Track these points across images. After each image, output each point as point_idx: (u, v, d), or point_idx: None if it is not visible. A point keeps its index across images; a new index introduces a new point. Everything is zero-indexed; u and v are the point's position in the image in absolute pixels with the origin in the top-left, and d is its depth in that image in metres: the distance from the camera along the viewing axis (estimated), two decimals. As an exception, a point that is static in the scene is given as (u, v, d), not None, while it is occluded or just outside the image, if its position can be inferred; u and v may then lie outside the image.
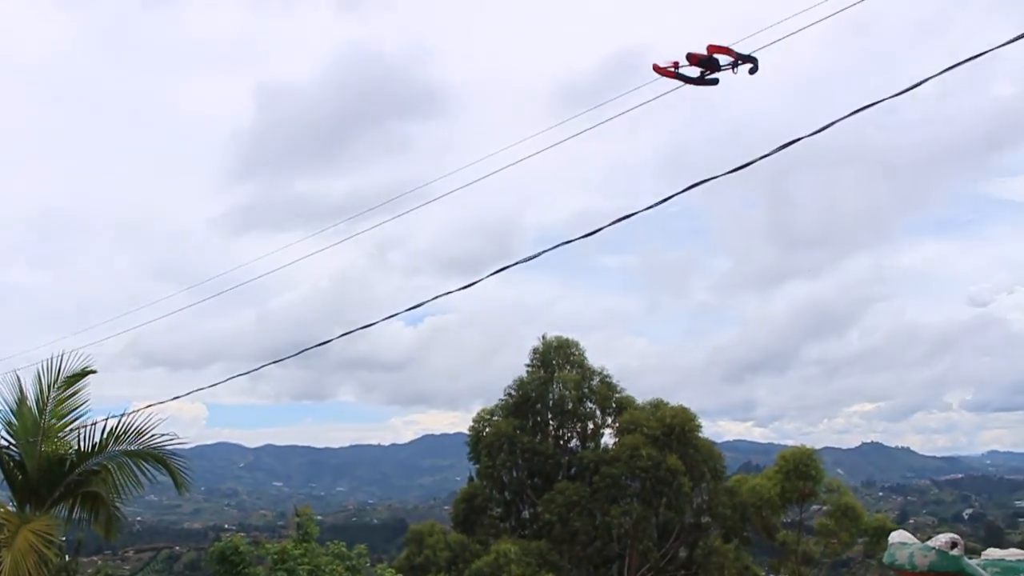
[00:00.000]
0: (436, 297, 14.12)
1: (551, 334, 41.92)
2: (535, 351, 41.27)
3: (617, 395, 40.86)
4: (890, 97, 9.99)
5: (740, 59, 12.03)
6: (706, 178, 11.31)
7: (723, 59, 12.10)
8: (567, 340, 41.67)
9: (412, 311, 14.08)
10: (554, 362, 40.95)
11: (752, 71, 12.12)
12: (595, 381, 40.91)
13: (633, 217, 12.13)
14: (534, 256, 12.82)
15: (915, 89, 9.87)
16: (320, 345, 14.91)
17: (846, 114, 10.18)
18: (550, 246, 12.50)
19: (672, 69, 12.18)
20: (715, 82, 12.23)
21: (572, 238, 12.42)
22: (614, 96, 12.37)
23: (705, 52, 12.07)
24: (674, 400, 40.29)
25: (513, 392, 40.54)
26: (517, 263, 12.69)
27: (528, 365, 41.16)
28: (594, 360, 41.68)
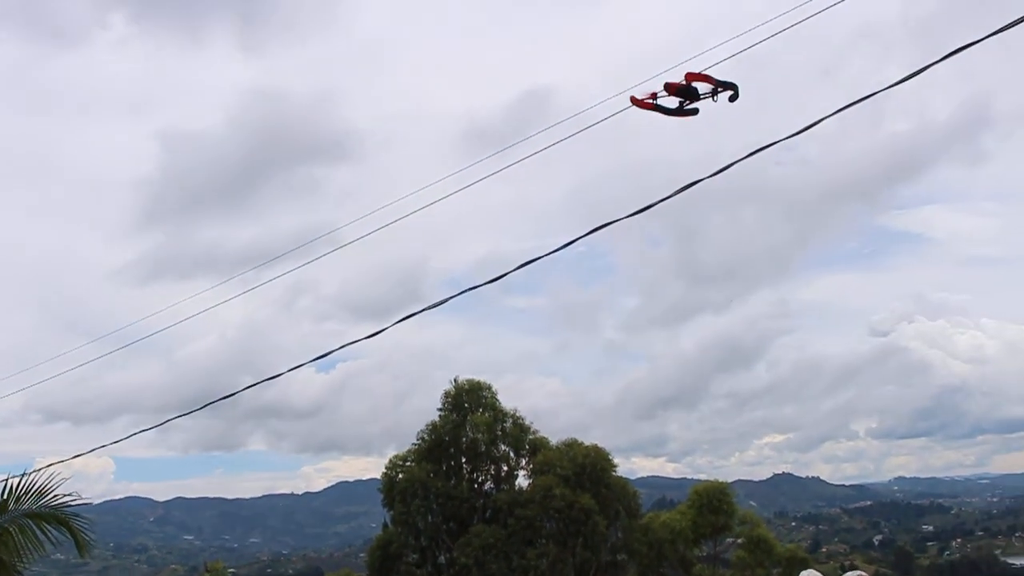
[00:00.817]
0: (342, 346, 13.84)
1: (463, 377, 41.83)
2: (447, 395, 41.10)
3: (530, 436, 40.84)
4: (788, 137, 10.01)
5: (720, 86, 11.54)
6: (609, 221, 11.15)
7: (702, 87, 11.62)
8: (479, 383, 41.60)
9: (323, 358, 13.79)
10: (466, 405, 40.79)
11: (732, 98, 11.61)
12: (508, 423, 40.86)
13: (542, 259, 11.96)
14: (442, 301, 12.59)
15: (814, 127, 10.05)
16: (228, 396, 14.52)
17: (744, 155, 10.11)
18: (459, 290, 12.35)
19: (650, 101, 11.69)
20: (695, 112, 11.70)
21: (480, 283, 12.21)
22: (521, 137, 12.18)
23: (683, 80, 11.57)
24: (587, 439, 40.50)
25: (426, 436, 40.25)
26: (423, 310, 12.49)
27: (440, 409, 40.95)
28: (506, 402, 41.72)
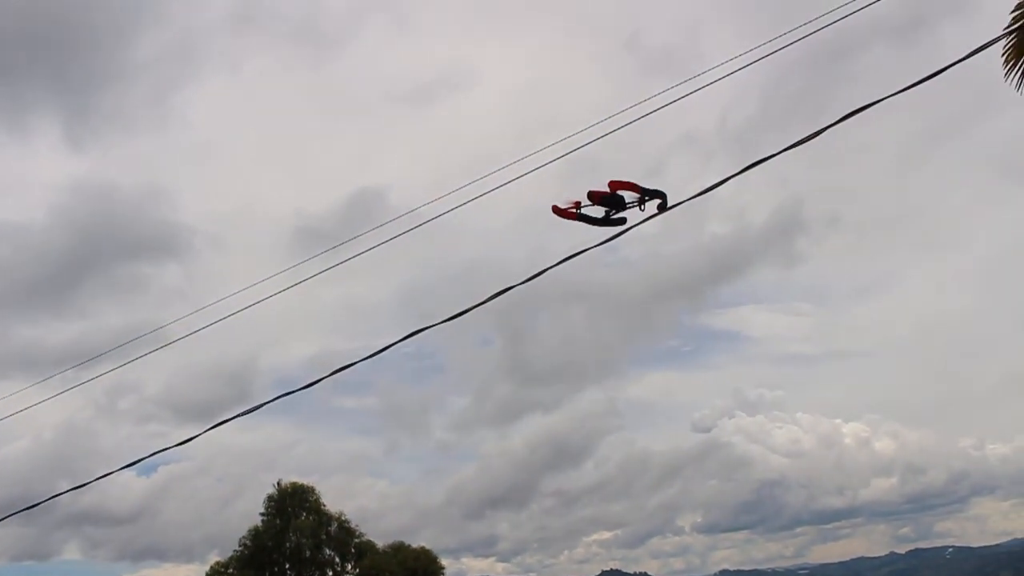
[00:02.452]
0: (154, 453, 13.15)
1: (289, 479, 40.95)
2: (270, 498, 40.14)
3: (356, 540, 40.21)
4: (605, 240, 10.23)
5: (647, 194, 11.02)
6: (430, 324, 10.91)
7: (628, 196, 11.12)
8: (303, 486, 40.85)
9: (145, 460, 13.18)
10: (290, 509, 39.83)
11: (661, 207, 10.99)
12: (333, 527, 40.13)
13: (370, 359, 11.65)
14: (266, 403, 12.06)
15: (637, 227, 10.52)
16: (41, 503, 13.72)
17: (560, 260, 10.26)
18: (287, 390, 11.98)
19: (573, 210, 11.18)
20: (622, 222, 11.02)
21: (309, 383, 11.77)
22: (352, 236, 11.96)
23: (607, 189, 11.07)
24: (416, 541, 40.24)
25: (248, 542, 38.99)
26: (243, 413, 11.98)
27: (263, 513, 39.82)
28: (334, 504, 41.09)
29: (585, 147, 10.49)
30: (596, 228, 10.93)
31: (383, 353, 11.37)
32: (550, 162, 11.13)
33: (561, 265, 10.34)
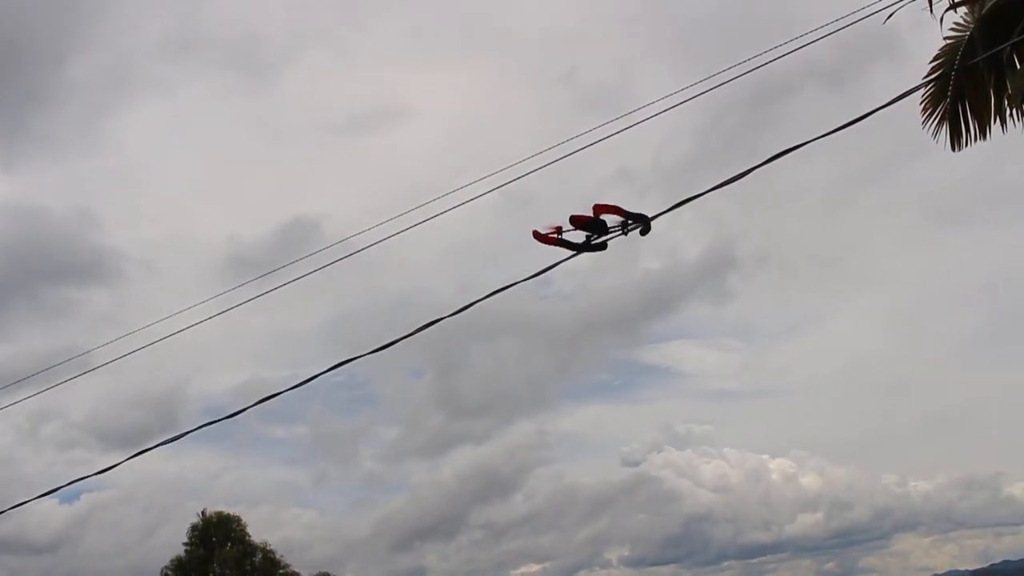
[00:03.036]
0: (81, 478, 12.78)
1: (215, 509, 40.39)
2: (194, 528, 39.46)
3: (281, 571, 39.67)
4: (534, 275, 10.28)
5: (630, 219, 10.82)
6: (356, 355, 10.77)
7: (611, 220, 10.94)
8: (228, 515, 40.23)
9: (67, 487, 12.81)
10: (214, 539, 39.17)
11: (643, 231, 10.85)
12: (258, 557, 39.52)
13: (297, 388, 11.43)
14: (190, 431, 11.74)
15: (569, 261, 10.55)
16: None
17: (486, 294, 10.34)
18: (214, 418, 11.75)
19: (554, 235, 10.98)
20: (603, 247, 10.91)
21: (233, 412, 11.46)
22: (283, 264, 11.74)
23: (591, 213, 10.88)
24: (343, 572, 40.03)
25: (171, 573, 38.24)
26: (166, 441, 11.67)
27: (186, 543, 39.10)
28: (260, 534, 40.50)
29: (519, 180, 10.53)
30: (565, 253, 10.79)
31: (313, 382, 11.20)
32: (482, 195, 11.05)
33: (495, 298, 10.35)
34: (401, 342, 10.74)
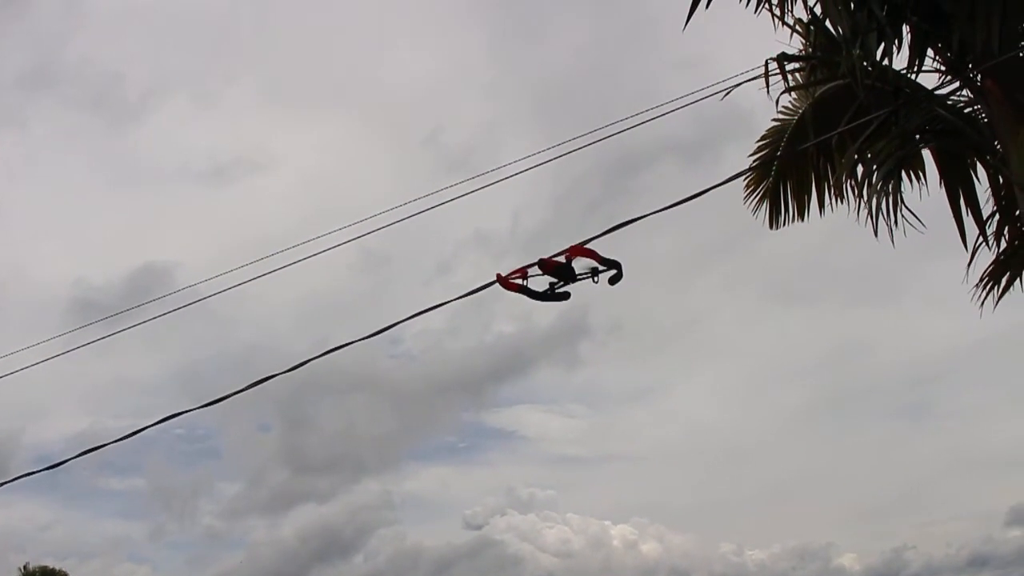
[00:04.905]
0: None
1: (42, 562, 37.83)
2: (12, 583, 36.82)
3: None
4: (378, 331, 10.15)
5: (604, 264, 10.30)
6: (190, 408, 10.34)
7: (580, 266, 10.27)
8: (52, 570, 37.82)
9: None
10: (28, 595, 36.67)
11: (614, 279, 10.31)
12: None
13: (139, 435, 10.89)
14: (8, 481, 11.08)
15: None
16: None
17: (323, 352, 9.87)
18: (46, 466, 11.05)
19: (519, 281, 10.42)
20: (566, 296, 10.44)
21: (59, 461, 10.84)
22: (128, 309, 11.28)
23: (565, 256, 10.39)
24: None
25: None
26: None
27: (-8, 599, 36.36)
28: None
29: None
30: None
31: (150, 433, 10.70)
32: (334, 247, 10.58)
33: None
34: (245, 396, 10.34)
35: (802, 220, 11.10)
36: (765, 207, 11.05)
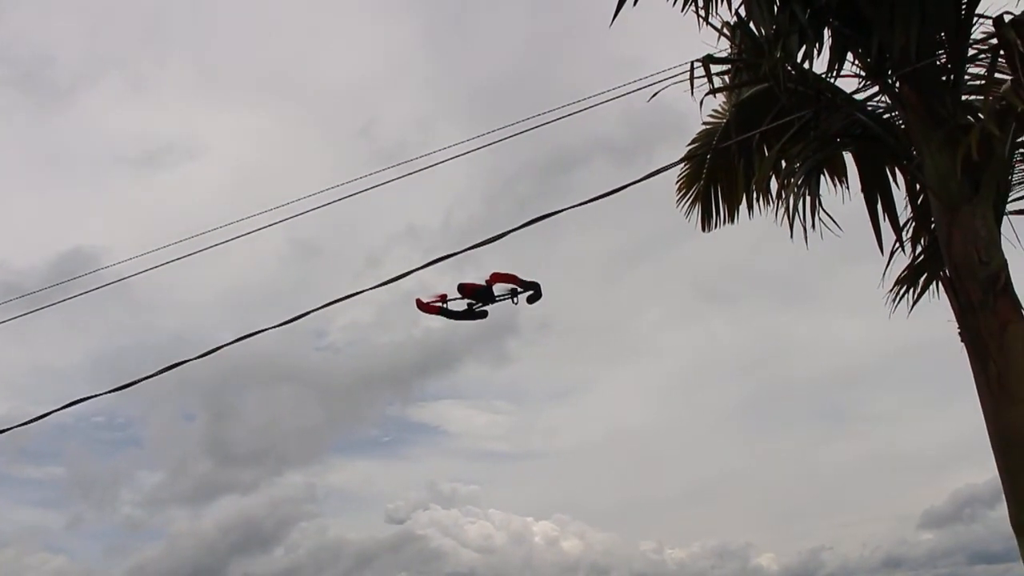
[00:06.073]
0: None
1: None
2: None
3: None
4: (286, 322, 9.96)
5: (523, 286, 10.91)
6: (94, 394, 10.09)
7: (499, 289, 10.92)
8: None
9: None
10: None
11: (532, 299, 11.01)
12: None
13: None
14: None
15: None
16: None
17: (234, 338, 9.74)
18: None
19: (437, 304, 10.89)
20: (484, 315, 10.98)
21: None
22: (53, 295, 10.95)
23: (486, 281, 10.85)
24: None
25: None
26: None
27: None
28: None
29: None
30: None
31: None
32: (258, 229, 10.53)
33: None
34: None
35: (732, 223, 11.20)
36: (697, 210, 11.12)
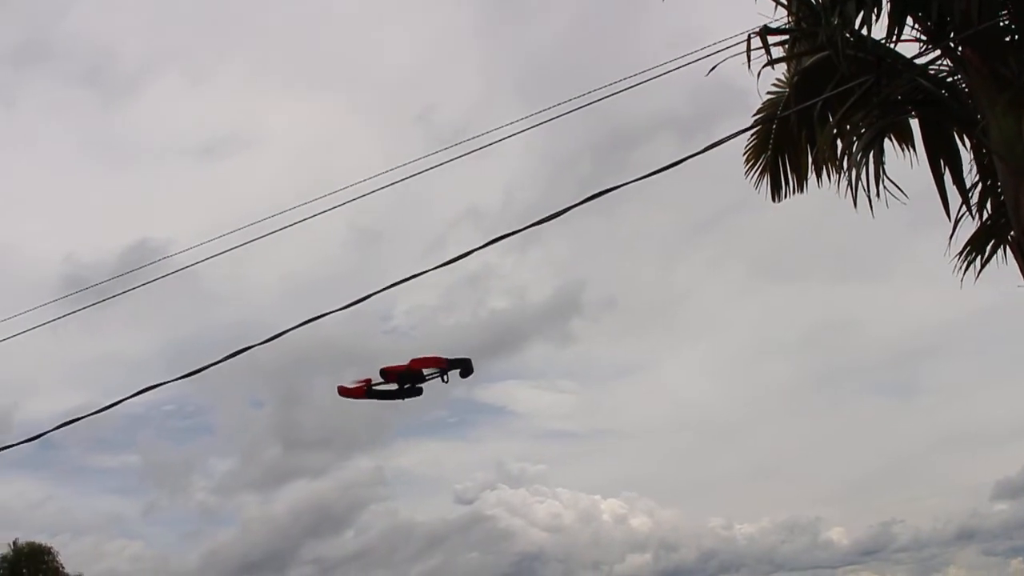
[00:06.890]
0: None
1: (31, 539, 38.14)
2: (4, 559, 37.19)
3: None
4: (350, 304, 10.11)
5: (452, 366, 10.81)
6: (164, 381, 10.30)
7: (428, 370, 10.76)
8: (40, 546, 38.11)
9: None
10: (24, 571, 37.06)
11: (464, 374, 10.91)
12: (71, 589, 37.54)
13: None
14: None
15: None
16: None
17: (298, 323, 9.88)
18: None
19: (363, 388, 10.73)
20: (419, 392, 10.78)
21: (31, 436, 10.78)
22: (121, 287, 11.16)
23: (407, 366, 10.67)
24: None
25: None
26: None
27: (-6, 575, 36.81)
28: (79, 567, 38.38)
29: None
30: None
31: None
32: (320, 213, 10.62)
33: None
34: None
35: (802, 192, 11.11)
36: (766, 180, 11.06)
